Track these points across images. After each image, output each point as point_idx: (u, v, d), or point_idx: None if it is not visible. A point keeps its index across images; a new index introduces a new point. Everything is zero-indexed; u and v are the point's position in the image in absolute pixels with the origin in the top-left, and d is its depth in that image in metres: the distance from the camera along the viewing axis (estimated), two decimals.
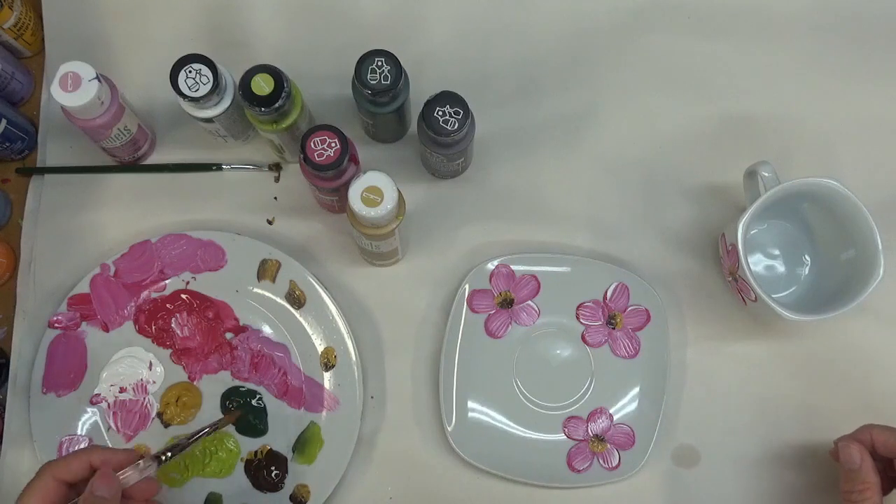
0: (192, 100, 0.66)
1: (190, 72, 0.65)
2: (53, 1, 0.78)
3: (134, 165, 0.75)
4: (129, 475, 0.58)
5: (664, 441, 0.71)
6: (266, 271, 0.72)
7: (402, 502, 0.70)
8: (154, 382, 0.71)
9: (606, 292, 0.72)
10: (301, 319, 0.72)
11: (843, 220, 0.68)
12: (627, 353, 0.72)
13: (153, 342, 0.71)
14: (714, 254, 0.74)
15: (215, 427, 0.66)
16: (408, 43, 0.75)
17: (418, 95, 0.68)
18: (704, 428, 0.71)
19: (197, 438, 0.64)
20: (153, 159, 0.76)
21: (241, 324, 0.72)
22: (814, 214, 0.71)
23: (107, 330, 0.71)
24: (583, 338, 0.72)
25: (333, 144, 0.63)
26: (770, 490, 0.70)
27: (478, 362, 0.71)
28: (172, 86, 0.66)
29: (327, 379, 0.71)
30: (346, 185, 0.63)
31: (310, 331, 0.71)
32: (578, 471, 0.70)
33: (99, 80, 0.65)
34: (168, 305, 0.72)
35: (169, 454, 0.61)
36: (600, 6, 0.78)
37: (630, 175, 0.75)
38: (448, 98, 0.65)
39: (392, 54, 0.65)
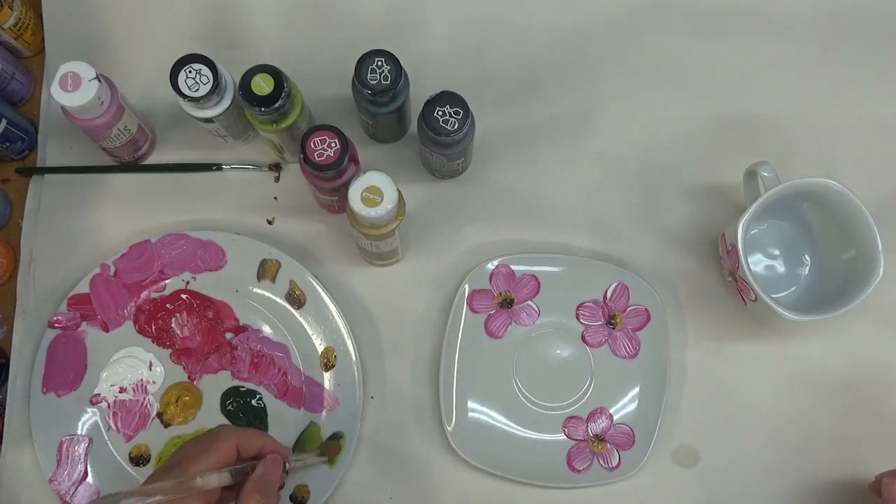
0: (192, 100, 0.66)
1: (190, 72, 0.65)
2: (53, 1, 0.78)
3: (134, 165, 0.75)
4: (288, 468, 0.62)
5: (664, 441, 0.71)
6: (266, 271, 0.72)
7: (402, 502, 0.70)
8: (154, 382, 0.71)
9: (606, 292, 0.72)
10: (301, 319, 0.71)
11: (843, 220, 0.68)
12: (627, 353, 0.72)
13: (153, 342, 0.71)
14: (714, 254, 0.74)
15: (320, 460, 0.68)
16: (408, 43, 0.75)
17: (418, 95, 0.68)
18: (704, 428, 0.71)
19: (316, 463, 0.67)
20: (153, 159, 0.76)
21: (241, 324, 0.72)
22: (814, 214, 0.71)
23: (107, 330, 0.71)
24: (583, 338, 0.72)
25: (333, 144, 0.63)
26: (770, 489, 0.70)
27: (478, 362, 0.71)
28: (172, 86, 0.66)
29: (327, 379, 0.71)
30: (346, 185, 0.62)
31: (310, 331, 0.71)
32: (578, 471, 0.70)
33: (99, 80, 0.65)
34: (168, 305, 0.72)
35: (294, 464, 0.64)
36: (600, 6, 0.78)
37: (630, 175, 0.75)
38: (448, 98, 0.65)
39: (392, 54, 0.65)
